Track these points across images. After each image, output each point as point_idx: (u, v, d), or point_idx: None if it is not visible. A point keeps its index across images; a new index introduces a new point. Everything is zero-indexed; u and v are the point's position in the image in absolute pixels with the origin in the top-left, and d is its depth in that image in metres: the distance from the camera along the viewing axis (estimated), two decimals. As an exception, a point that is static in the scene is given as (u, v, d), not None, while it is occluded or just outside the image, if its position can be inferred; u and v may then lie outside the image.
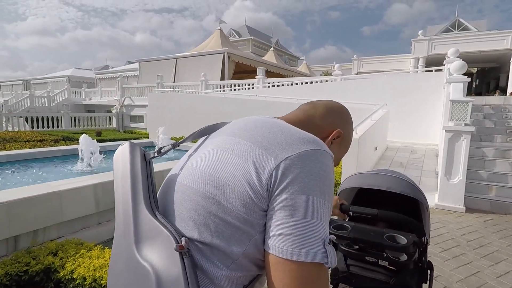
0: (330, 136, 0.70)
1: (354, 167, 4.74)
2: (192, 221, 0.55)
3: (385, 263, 1.32)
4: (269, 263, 0.50)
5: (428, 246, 1.45)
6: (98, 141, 5.44)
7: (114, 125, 15.49)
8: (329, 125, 0.71)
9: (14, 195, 2.44)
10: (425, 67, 16.13)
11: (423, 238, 1.35)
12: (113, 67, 29.09)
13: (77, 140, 5.81)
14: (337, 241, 1.40)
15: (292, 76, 16.98)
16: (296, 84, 10.74)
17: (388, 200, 1.59)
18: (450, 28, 23.03)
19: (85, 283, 1.78)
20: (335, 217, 1.42)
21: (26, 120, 12.67)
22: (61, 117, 13.49)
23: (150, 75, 16.78)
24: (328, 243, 0.49)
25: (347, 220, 1.51)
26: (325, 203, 0.52)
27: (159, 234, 0.54)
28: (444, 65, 7.84)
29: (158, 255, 0.53)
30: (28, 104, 16.19)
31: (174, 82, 15.70)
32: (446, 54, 7.28)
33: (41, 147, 6.81)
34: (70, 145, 7.23)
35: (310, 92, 9.75)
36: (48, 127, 12.93)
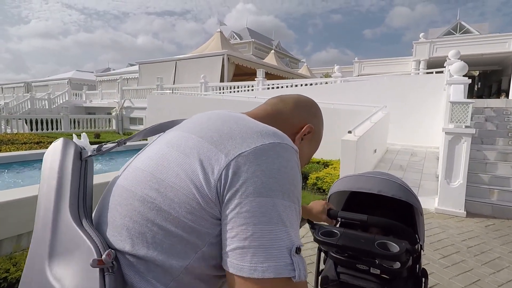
0: (301, 132, 0.64)
1: (353, 170, 4.64)
2: (126, 230, 0.47)
3: (377, 271, 1.24)
4: (229, 284, 0.43)
5: (422, 253, 1.37)
6: (95, 143, 5.37)
7: (114, 127, 15.45)
8: (299, 120, 0.65)
9: (-4, 198, 2.36)
10: (426, 69, 16.02)
11: (416, 245, 1.26)
12: (114, 70, 29.17)
13: (73, 142, 5.73)
14: (327, 248, 1.31)
15: (293, 78, 16.91)
16: (296, 86, 10.68)
17: (381, 204, 1.51)
18: (451, 31, 22.94)
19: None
20: (324, 224, 1.33)
21: (26, 122, 12.65)
22: (60, 119, 13.47)
23: (150, 77, 16.77)
24: (296, 252, 0.42)
25: (338, 225, 1.43)
26: (289, 204, 0.44)
27: (80, 245, 0.44)
28: (445, 67, 7.75)
29: (73, 273, 0.43)
30: (29, 106, 16.19)
31: (173, 84, 15.69)
32: (447, 56, 7.19)
33: (37, 149, 6.76)
34: (66, 147, 7.16)
35: (310, 93, 9.55)
36: (47, 129, 12.91)
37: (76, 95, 19.55)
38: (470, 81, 5.55)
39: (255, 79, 12.05)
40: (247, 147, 0.45)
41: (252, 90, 11.66)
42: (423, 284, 1.30)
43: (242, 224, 0.42)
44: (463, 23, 22.91)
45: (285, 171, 0.45)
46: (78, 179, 0.52)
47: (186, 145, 0.49)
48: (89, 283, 0.41)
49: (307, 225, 1.31)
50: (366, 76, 12.33)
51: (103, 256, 0.42)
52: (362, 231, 1.31)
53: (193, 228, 0.44)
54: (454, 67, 5.32)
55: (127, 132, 15.13)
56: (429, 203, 4.33)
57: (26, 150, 6.73)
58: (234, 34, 34.32)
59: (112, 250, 0.44)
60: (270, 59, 21.62)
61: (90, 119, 14.86)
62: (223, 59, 15.02)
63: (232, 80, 15.27)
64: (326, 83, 10.61)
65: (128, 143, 0.64)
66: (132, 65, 27.52)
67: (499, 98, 16.35)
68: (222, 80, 14.78)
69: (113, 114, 15.61)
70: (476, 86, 25.61)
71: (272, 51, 24.16)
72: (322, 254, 1.49)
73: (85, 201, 0.51)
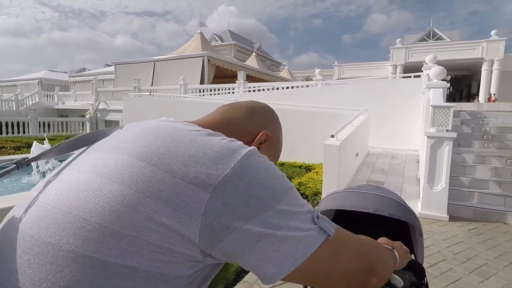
0: (256, 139, 0.60)
1: (335, 174, 4.54)
2: None
3: None
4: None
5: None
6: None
7: (88, 131, 14.72)
8: (254, 127, 0.60)
9: None
10: (403, 74, 16.48)
11: (424, 279, 1.10)
12: (90, 70, 28.04)
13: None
14: None
15: (274, 81, 16.87)
16: (277, 89, 10.58)
17: (373, 221, 1.35)
18: (425, 37, 23.85)
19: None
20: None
21: (-11, 125, 11.76)
22: (28, 122, 12.64)
23: (127, 79, 16.14)
24: (317, 218, 0.43)
25: None
26: (291, 196, 0.43)
27: None
28: (422, 71, 7.89)
29: None
30: (-7, 108, 15.14)
31: (152, 85, 15.19)
32: (422, 61, 7.34)
33: (-2, 155, 6.21)
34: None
35: (291, 97, 9.60)
36: (13, 133, 12.06)
37: (47, 97, 18.49)
38: (449, 85, 5.64)
39: (236, 81, 11.85)
40: (224, 169, 0.40)
41: (233, 92, 11.45)
42: None
43: (259, 242, 0.39)
44: (435, 30, 23.89)
45: (272, 172, 0.44)
46: None
47: (133, 177, 0.39)
48: None
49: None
50: (346, 80, 12.45)
51: None
52: None
53: (160, 275, 0.38)
54: (434, 71, 5.37)
55: (102, 135, 14.45)
56: (412, 207, 4.27)
57: (-15, 156, 6.16)
58: (216, 36, 34.02)
59: None
60: (252, 61, 21.51)
61: (62, 122, 14.08)
62: (203, 60, 14.72)
63: (213, 82, 14.99)
64: (307, 86, 10.59)
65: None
66: (109, 65, 26.50)
67: (471, 101, 17.06)
68: (202, 82, 14.46)
69: (87, 116, 14.89)
70: (448, 90, 26.77)
71: (254, 53, 24.07)
72: None
73: None
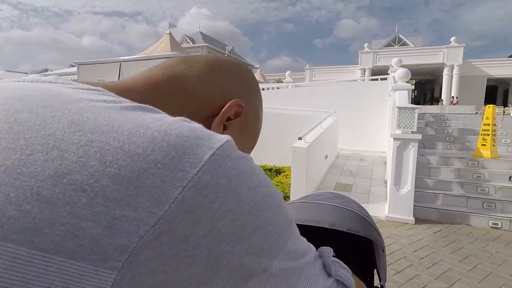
0: (222, 112, 0.35)
1: (303, 178, 4.40)
2: None
3: None
4: None
5: None
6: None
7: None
8: (219, 92, 0.36)
9: None
10: (371, 77, 17.00)
11: None
12: (52, 71, 26.38)
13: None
14: None
15: (246, 84, 16.66)
16: (248, 90, 10.42)
17: (331, 235, 1.16)
18: (391, 43, 24.88)
19: None
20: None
21: None
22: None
23: (91, 79, 15.16)
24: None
25: None
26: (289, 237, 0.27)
27: None
28: (388, 74, 8.04)
29: None
30: None
31: (117, 87, 14.48)
32: (389, 65, 7.47)
33: None
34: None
35: (262, 99, 9.45)
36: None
37: (0, 98, 17.08)
38: (413, 87, 5.73)
39: (206, 83, 11.56)
40: (160, 203, 0.20)
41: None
42: None
43: None
44: (401, 36, 25.00)
45: (266, 195, 0.25)
46: None
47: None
48: None
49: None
50: (317, 82, 12.55)
51: None
52: None
53: None
54: (399, 73, 5.42)
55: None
56: (379, 210, 4.23)
57: None
58: (187, 38, 33.40)
59: None
60: (223, 63, 21.28)
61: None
62: (172, 61, 14.26)
63: (182, 84, 14.58)
64: (278, 88, 10.52)
65: None
66: (73, 66, 25.11)
67: (437, 104, 17.88)
68: (171, 83, 14.02)
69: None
70: (413, 94, 28.07)
71: (225, 55, 23.85)
72: None
73: None
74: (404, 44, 24.12)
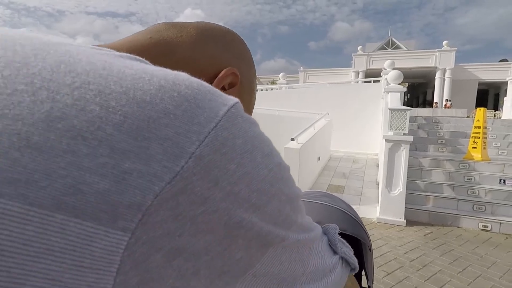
0: (216, 80, 0.32)
1: (296, 179, 4.31)
2: None
3: None
4: None
5: None
6: None
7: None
8: (211, 60, 0.33)
9: None
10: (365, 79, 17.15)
11: None
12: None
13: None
14: None
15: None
16: (242, 91, 10.39)
17: None
18: (384, 46, 25.09)
19: None
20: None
21: None
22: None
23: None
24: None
25: None
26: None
27: None
28: (381, 76, 8.09)
29: None
30: None
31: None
32: (382, 68, 7.52)
33: None
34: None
35: (256, 100, 9.43)
36: None
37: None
38: (405, 89, 5.76)
39: (200, 83, 11.52)
40: (177, 158, 0.18)
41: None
42: None
43: None
44: (394, 39, 25.23)
45: (270, 152, 0.23)
46: None
47: None
48: None
49: None
50: (310, 83, 12.59)
51: None
52: None
53: None
54: (391, 75, 5.45)
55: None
56: (371, 212, 4.23)
57: None
58: (181, 38, 33.33)
59: None
60: (218, 64, 21.26)
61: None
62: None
63: (176, 84, 14.50)
64: (272, 89, 10.51)
65: None
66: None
67: (432, 107, 18.06)
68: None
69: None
70: (406, 97, 28.38)
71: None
72: None
73: None
74: (397, 47, 24.35)
